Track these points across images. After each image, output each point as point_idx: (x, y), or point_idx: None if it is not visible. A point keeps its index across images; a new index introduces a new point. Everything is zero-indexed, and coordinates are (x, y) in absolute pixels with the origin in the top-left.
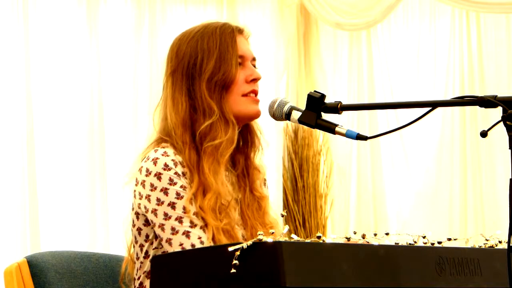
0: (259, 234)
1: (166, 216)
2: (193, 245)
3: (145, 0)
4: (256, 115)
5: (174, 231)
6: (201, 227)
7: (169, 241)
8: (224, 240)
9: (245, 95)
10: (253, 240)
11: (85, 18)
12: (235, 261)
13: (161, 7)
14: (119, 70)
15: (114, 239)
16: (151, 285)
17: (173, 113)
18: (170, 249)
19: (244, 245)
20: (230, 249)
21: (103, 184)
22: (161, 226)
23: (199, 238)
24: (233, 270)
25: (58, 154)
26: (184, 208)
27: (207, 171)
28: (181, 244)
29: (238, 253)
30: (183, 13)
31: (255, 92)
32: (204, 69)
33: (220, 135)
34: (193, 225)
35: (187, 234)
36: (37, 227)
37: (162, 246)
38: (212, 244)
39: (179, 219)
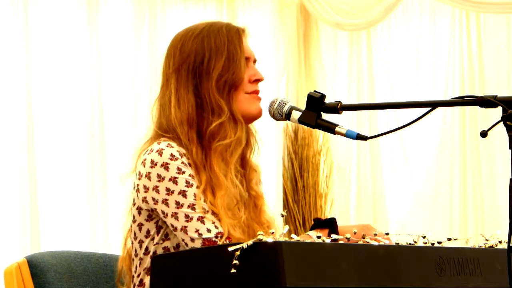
0: (259, 234)
1: (178, 205)
2: (208, 230)
3: (145, 0)
4: (259, 114)
5: (188, 218)
6: (212, 213)
7: (184, 228)
8: (237, 235)
9: (248, 93)
10: (253, 240)
11: (85, 18)
12: (235, 261)
13: (161, 7)
14: (119, 69)
15: (114, 239)
16: (151, 285)
17: (178, 110)
18: (186, 237)
19: (244, 245)
20: (230, 249)
21: (103, 184)
22: (175, 215)
23: (213, 222)
24: (233, 270)
25: (58, 154)
26: (195, 195)
27: (217, 170)
28: (197, 230)
29: (238, 253)
30: (183, 13)
31: (257, 92)
32: (213, 68)
33: (229, 135)
34: (205, 211)
35: (201, 220)
36: (37, 227)
37: (165, 240)
38: (223, 230)
39: (192, 206)
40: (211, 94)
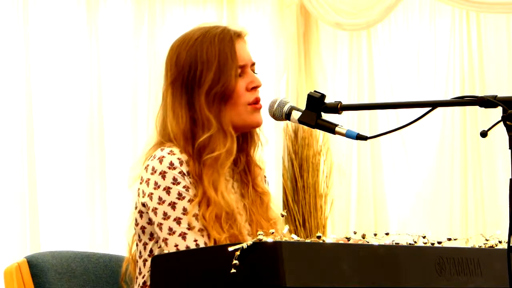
0: (259, 234)
1: (165, 216)
2: (187, 247)
3: (145, 0)
4: (257, 124)
5: (171, 231)
6: (199, 230)
7: (165, 241)
8: None
9: (250, 104)
10: (253, 240)
11: (85, 18)
12: (235, 261)
13: (160, 7)
14: (118, 70)
15: (114, 239)
16: (151, 285)
17: (174, 125)
18: (166, 249)
19: (244, 245)
20: (230, 249)
21: (102, 184)
22: (160, 226)
23: (195, 241)
24: (233, 270)
25: (58, 154)
26: (184, 209)
27: (206, 183)
28: (176, 245)
29: (238, 253)
30: (183, 14)
31: (257, 100)
32: (203, 81)
33: (219, 147)
34: (190, 227)
35: (183, 235)
36: (37, 227)
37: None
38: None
39: (178, 220)
40: (201, 108)
